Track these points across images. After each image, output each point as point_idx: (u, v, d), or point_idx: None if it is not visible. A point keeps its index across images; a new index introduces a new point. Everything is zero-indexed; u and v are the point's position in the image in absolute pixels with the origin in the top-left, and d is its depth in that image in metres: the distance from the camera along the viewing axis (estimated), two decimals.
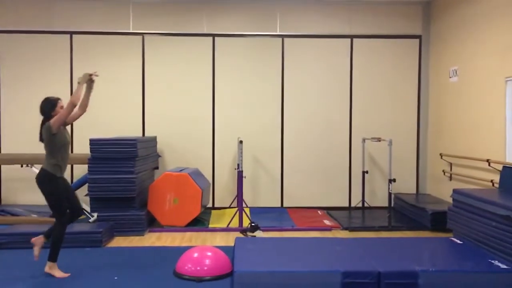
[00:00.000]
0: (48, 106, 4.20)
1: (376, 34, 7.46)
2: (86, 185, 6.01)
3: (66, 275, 4.20)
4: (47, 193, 4.21)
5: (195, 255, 4.27)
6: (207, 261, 4.18)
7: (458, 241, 4.80)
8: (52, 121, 4.12)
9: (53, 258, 4.21)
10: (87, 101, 4.35)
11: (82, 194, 6.29)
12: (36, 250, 4.25)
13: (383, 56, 7.50)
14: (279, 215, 6.89)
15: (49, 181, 4.18)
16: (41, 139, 4.24)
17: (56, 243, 4.20)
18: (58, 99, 4.27)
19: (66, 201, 4.26)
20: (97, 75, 4.30)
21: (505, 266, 3.94)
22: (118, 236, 5.67)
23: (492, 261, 4.06)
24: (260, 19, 7.41)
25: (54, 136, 4.14)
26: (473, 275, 3.82)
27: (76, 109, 4.24)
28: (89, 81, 4.28)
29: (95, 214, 5.89)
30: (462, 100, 6.45)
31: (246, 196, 6.95)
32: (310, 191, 7.45)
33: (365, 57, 7.49)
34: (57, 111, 4.18)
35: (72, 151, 7.26)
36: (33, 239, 4.29)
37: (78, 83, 4.23)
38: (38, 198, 6.97)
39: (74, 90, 4.22)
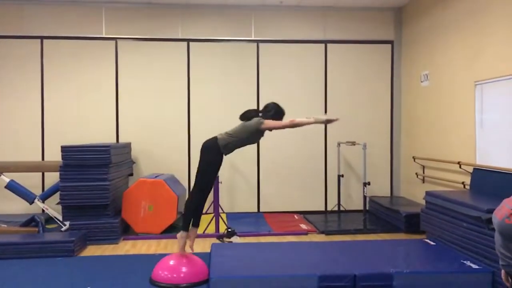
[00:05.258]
0: (279, 111, 4.26)
1: (349, 40, 7.57)
2: (58, 193, 5.86)
3: (186, 252, 4.26)
4: (206, 161, 4.19)
5: (171, 262, 4.21)
6: (184, 268, 4.13)
7: (431, 243, 4.89)
8: (267, 121, 4.14)
9: (184, 227, 4.23)
10: (303, 125, 4.27)
11: (53, 203, 6.16)
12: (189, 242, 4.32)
13: (357, 61, 7.61)
14: (256, 220, 6.88)
15: (213, 151, 4.17)
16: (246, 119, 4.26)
17: (190, 214, 4.23)
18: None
19: (214, 179, 4.28)
20: (335, 120, 4.20)
21: (476, 266, 4.03)
22: (91, 244, 5.56)
23: (464, 262, 4.15)
24: (235, 24, 7.41)
25: (256, 131, 4.18)
26: (446, 276, 3.91)
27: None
28: (326, 122, 4.25)
29: (67, 223, 5.75)
30: (433, 104, 6.59)
31: (223, 201, 6.93)
32: (286, 195, 7.47)
33: (339, 62, 7.58)
34: (275, 120, 4.19)
35: (43, 159, 7.10)
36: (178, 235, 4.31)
37: (311, 117, 4.16)
38: (7, 207, 6.84)
39: (305, 119, 4.13)
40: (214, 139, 4.21)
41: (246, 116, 4.30)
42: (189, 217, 4.26)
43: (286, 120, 4.23)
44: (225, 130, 4.28)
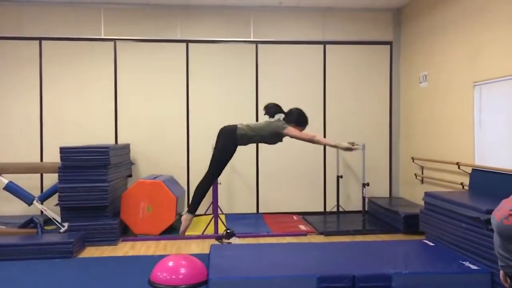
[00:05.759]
0: (302, 116, 4.23)
1: (348, 40, 7.57)
2: (56, 194, 5.85)
3: (183, 232, 4.26)
4: (222, 145, 4.18)
5: (170, 263, 4.19)
6: (182, 270, 4.11)
7: (430, 243, 4.89)
8: (290, 128, 4.13)
9: (190, 209, 4.23)
10: (324, 145, 4.28)
11: (52, 204, 6.15)
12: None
13: (356, 62, 7.61)
14: (255, 221, 6.88)
15: (230, 138, 4.15)
16: (269, 113, 4.29)
17: (196, 196, 4.20)
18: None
19: (224, 165, 4.25)
20: (355, 149, 4.21)
21: (475, 267, 4.03)
22: (90, 246, 5.55)
23: (463, 262, 4.15)
24: (234, 25, 7.41)
25: (276, 134, 4.16)
26: (445, 277, 3.91)
27: (307, 137, 4.18)
28: (346, 149, 4.17)
29: (66, 224, 5.75)
30: (432, 105, 6.59)
31: (222, 202, 6.92)
32: (285, 196, 7.47)
33: (338, 63, 7.58)
34: (297, 127, 4.18)
35: (41, 160, 7.09)
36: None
37: (334, 142, 4.23)
38: (6, 208, 6.83)
39: (327, 140, 4.28)
40: (234, 127, 4.19)
41: (268, 109, 4.30)
42: (196, 200, 4.23)
43: (309, 132, 4.20)
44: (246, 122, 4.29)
